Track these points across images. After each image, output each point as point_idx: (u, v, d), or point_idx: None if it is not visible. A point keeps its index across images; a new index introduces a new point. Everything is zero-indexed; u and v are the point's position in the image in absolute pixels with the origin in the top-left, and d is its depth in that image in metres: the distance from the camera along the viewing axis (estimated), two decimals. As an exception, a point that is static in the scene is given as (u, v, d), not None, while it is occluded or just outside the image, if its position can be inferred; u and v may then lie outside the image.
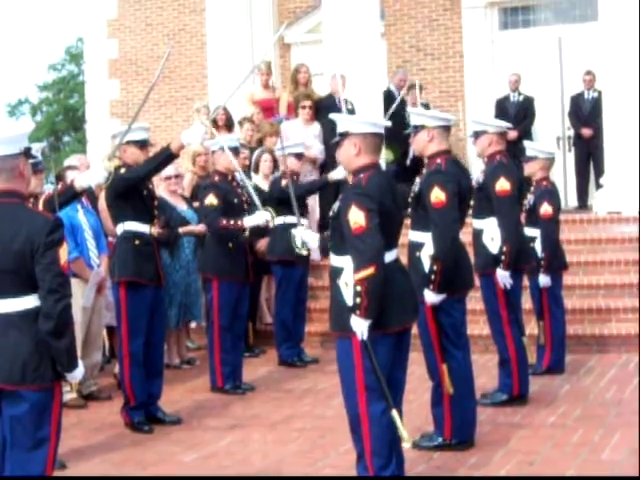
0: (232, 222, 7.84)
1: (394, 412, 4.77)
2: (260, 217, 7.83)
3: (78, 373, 4.32)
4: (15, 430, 4.17)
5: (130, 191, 7.01)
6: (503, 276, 7.00)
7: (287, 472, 5.83)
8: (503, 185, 6.99)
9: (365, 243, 4.81)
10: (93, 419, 7.33)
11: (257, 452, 6.34)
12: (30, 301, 4.17)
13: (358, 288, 4.81)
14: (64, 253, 4.22)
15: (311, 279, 9.66)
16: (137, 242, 7.08)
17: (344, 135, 5.09)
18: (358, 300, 4.81)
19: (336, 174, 9.05)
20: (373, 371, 4.82)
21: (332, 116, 5.69)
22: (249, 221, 7.88)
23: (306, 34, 15.28)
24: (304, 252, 6.17)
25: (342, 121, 5.24)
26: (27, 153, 4.33)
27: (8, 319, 4.17)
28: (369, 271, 4.79)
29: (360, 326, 4.82)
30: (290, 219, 8.94)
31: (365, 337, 4.83)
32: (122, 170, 7.17)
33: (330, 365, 5.36)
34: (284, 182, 8.95)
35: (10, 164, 4.23)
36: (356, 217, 4.83)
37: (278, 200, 8.94)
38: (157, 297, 7.21)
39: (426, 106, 13.50)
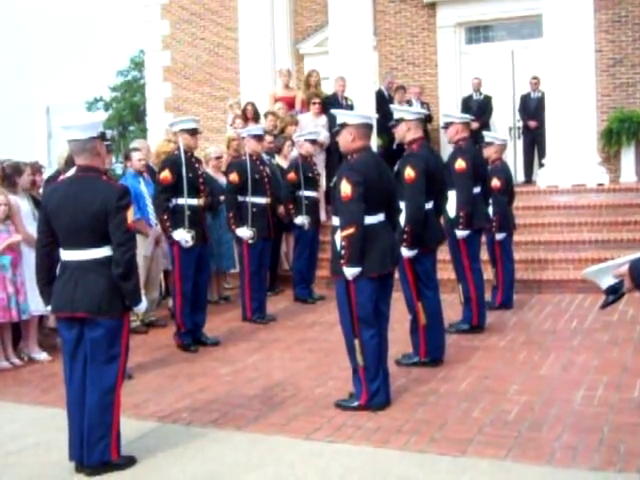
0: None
1: None
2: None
3: (142, 306, 4.35)
4: (93, 349, 4.21)
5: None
6: (461, 234, 6.97)
7: (300, 382, 5.84)
8: (460, 164, 6.94)
9: (349, 209, 4.84)
10: (152, 341, 7.37)
11: (277, 367, 6.36)
12: (104, 251, 4.19)
13: (343, 243, 4.86)
14: (131, 215, 4.23)
15: (321, 235, 9.62)
16: (188, 212, 7.04)
17: (342, 125, 5.09)
18: (343, 252, 4.85)
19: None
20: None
21: (333, 111, 5.67)
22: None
23: (315, 47, 15.13)
24: None
25: (340, 115, 5.26)
26: (102, 137, 4.32)
27: (87, 265, 4.19)
28: (350, 230, 4.85)
29: (347, 272, 4.89)
30: (308, 193, 8.96)
31: (350, 278, 4.89)
32: (175, 153, 7.17)
33: (333, 302, 5.34)
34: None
35: (90, 145, 4.23)
36: (345, 188, 4.86)
37: (305, 178, 8.99)
38: (202, 252, 7.21)
39: (427, 106, 13.44)
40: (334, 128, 5.42)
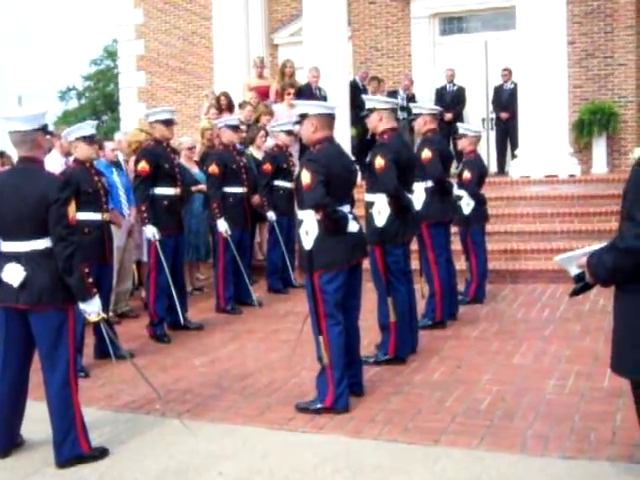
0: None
1: None
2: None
3: (93, 305, 4.26)
4: (39, 339, 4.21)
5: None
6: None
7: (274, 373, 5.83)
8: (427, 154, 6.93)
9: (308, 196, 4.78)
10: (125, 332, 7.28)
11: (251, 357, 6.34)
12: (45, 242, 4.15)
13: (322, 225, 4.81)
14: (72, 209, 4.18)
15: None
16: (165, 202, 7.10)
17: (303, 116, 4.99)
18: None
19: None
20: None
21: (293, 102, 5.56)
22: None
23: (290, 36, 15.07)
24: None
25: (301, 105, 5.14)
26: (44, 129, 4.26)
27: (28, 256, 4.15)
28: (320, 215, 4.79)
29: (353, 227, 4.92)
30: (282, 183, 8.93)
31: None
32: (150, 143, 7.18)
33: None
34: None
35: (30, 137, 4.19)
36: (305, 177, 4.79)
37: (277, 168, 8.97)
38: (179, 241, 7.29)
39: (413, 97, 13.41)
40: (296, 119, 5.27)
